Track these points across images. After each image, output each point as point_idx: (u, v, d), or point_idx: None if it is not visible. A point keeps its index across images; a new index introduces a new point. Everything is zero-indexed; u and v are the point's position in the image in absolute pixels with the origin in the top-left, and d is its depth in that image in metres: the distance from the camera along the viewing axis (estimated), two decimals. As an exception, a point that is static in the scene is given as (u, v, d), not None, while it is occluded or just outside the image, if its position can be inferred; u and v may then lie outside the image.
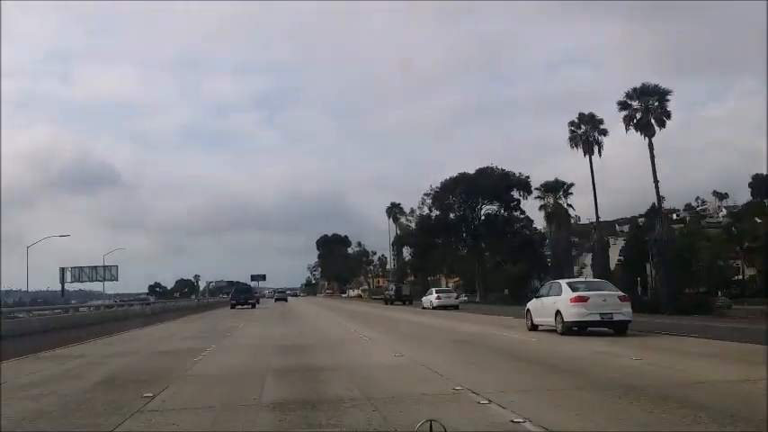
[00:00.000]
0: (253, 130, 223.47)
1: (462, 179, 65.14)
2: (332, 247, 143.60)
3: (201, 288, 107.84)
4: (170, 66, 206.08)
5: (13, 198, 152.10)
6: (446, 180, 66.66)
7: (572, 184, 53.34)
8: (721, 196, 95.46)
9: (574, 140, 43.91)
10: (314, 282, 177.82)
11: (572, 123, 44.24)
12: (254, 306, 48.35)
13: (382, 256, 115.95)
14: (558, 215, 52.47)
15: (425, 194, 68.90)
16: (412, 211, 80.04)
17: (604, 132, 43.40)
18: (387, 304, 52.26)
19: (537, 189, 56.83)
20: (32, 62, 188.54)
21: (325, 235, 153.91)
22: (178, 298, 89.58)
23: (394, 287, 58.14)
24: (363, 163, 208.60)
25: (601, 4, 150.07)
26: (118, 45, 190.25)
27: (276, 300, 71.62)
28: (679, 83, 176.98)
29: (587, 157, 43.37)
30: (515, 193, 63.94)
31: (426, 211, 70.30)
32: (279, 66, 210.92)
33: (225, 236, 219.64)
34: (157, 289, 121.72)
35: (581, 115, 43.80)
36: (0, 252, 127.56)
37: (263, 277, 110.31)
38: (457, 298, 44.01)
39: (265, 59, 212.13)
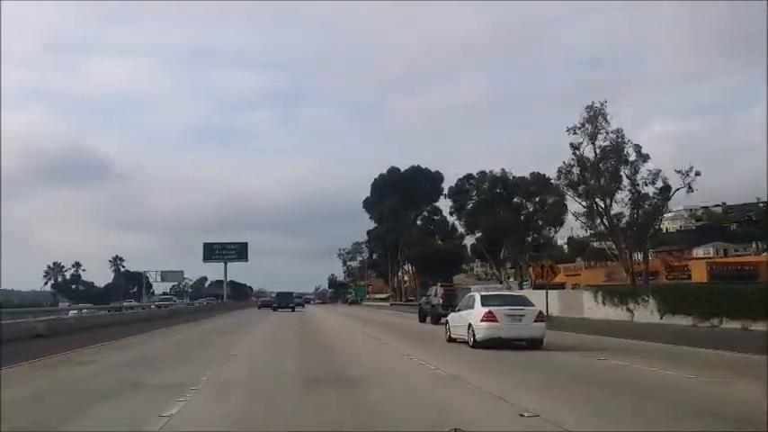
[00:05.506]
0: (263, 128, 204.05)
1: None
2: (399, 198, 77.75)
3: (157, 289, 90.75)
4: (179, 59, 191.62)
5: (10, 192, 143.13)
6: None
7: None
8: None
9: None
10: (349, 279, 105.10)
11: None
12: (293, 309, 51.27)
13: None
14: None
15: None
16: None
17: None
18: (423, 321, 30.68)
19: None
20: (38, 52, 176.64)
21: (393, 168, 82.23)
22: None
23: (441, 291, 30.62)
24: (380, 163, 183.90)
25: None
26: (125, 37, 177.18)
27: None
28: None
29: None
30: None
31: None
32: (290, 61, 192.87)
33: (225, 236, 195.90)
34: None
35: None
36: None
37: (242, 253, 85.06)
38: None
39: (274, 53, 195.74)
